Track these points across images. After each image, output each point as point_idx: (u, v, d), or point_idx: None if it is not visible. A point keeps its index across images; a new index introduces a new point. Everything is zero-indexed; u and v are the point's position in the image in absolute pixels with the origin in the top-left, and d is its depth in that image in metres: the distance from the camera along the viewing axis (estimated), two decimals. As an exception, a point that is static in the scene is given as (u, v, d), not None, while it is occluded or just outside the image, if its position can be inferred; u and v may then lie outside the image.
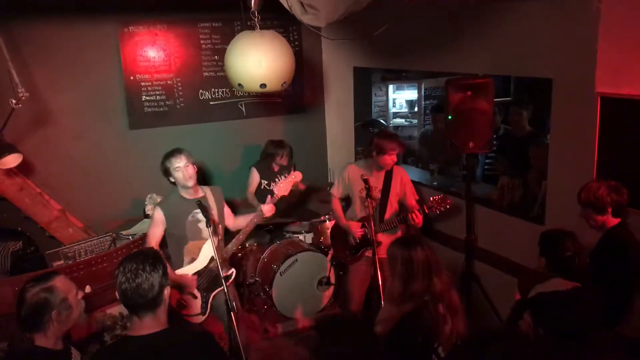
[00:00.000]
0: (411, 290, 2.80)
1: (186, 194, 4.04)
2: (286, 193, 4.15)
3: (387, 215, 4.59)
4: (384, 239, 4.41)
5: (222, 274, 3.72)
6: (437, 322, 2.74)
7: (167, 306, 2.50)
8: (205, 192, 4.16)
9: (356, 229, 4.62)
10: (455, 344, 2.75)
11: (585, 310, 2.46)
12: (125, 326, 4.30)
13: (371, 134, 6.69)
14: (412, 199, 4.63)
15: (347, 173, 4.72)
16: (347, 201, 4.89)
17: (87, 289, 4.26)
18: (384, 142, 4.42)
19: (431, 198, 4.39)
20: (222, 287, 3.81)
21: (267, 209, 4.08)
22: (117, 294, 2.44)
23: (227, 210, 4.27)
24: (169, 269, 3.72)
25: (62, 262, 4.61)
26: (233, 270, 4.20)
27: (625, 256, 3.17)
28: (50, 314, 2.50)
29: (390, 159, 4.45)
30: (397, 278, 2.87)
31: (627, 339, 3.07)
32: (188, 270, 4.03)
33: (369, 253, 4.58)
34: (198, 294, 4.04)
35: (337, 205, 4.82)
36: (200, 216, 3.90)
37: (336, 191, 4.80)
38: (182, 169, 3.92)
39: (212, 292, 4.08)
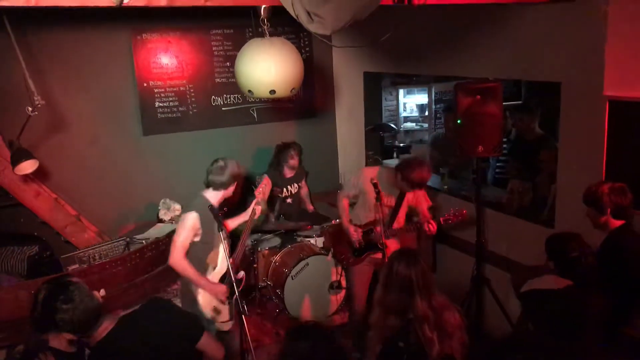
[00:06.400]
0: (388, 299, 2.83)
1: (215, 201, 3.92)
2: (265, 197, 4.41)
3: (394, 225, 4.53)
4: (389, 243, 4.37)
5: (234, 277, 3.74)
6: (422, 344, 2.69)
7: None
8: None
9: (353, 233, 4.53)
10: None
11: (575, 309, 2.45)
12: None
13: (382, 138, 6.74)
14: (425, 209, 4.55)
15: (363, 177, 4.54)
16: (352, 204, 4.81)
17: (102, 292, 4.32)
18: (415, 175, 4.18)
19: (446, 214, 4.38)
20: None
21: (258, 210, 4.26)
22: None
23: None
24: (205, 279, 3.88)
25: (77, 265, 4.67)
26: (242, 272, 4.14)
27: (624, 258, 3.17)
28: None
29: (410, 191, 4.37)
30: (380, 283, 2.96)
31: (632, 340, 3.07)
32: (214, 277, 3.98)
33: (374, 255, 4.55)
34: (226, 300, 4.01)
35: (345, 204, 4.67)
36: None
37: (349, 193, 4.65)
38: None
39: (232, 296, 3.97)
